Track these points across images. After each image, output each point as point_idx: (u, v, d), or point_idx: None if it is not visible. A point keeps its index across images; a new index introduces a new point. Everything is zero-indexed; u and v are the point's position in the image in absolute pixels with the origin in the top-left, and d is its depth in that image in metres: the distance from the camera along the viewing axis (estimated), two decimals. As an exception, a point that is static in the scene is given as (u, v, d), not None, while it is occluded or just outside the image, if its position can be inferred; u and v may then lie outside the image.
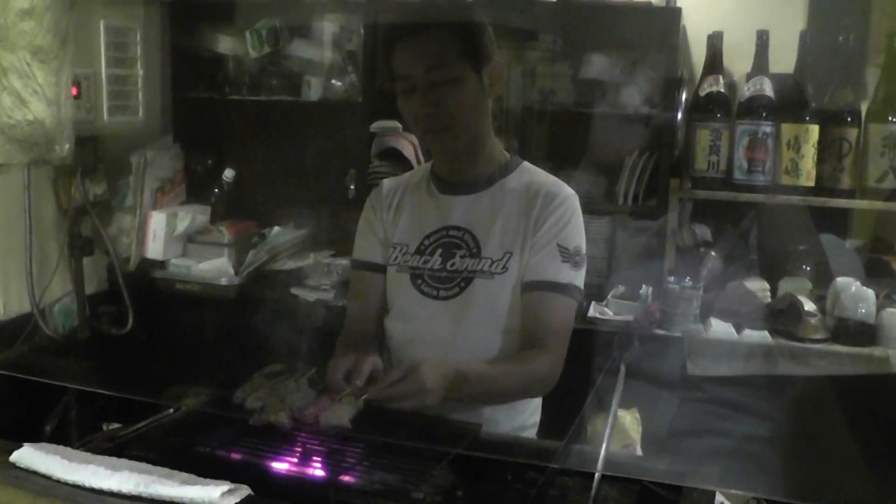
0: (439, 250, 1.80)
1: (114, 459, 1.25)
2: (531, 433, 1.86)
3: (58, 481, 1.21)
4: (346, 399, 1.49)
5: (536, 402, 1.86)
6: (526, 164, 1.87)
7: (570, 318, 1.78)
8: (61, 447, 1.30)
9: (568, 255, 1.76)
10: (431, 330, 1.79)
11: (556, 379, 1.76)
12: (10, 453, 1.28)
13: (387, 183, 1.97)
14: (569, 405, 1.78)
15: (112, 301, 2.96)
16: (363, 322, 1.92)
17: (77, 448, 1.34)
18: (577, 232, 1.78)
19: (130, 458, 1.29)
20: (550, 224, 1.76)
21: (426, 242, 1.82)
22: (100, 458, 1.26)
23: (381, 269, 1.90)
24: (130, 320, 2.89)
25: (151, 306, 2.98)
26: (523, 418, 1.83)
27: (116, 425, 2.10)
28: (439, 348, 1.78)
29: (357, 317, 1.94)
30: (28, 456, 1.26)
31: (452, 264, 1.79)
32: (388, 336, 1.87)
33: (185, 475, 1.19)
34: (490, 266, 1.76)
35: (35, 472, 1.23)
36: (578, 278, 1.77)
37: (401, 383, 1.52)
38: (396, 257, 1.85)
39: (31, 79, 2.10)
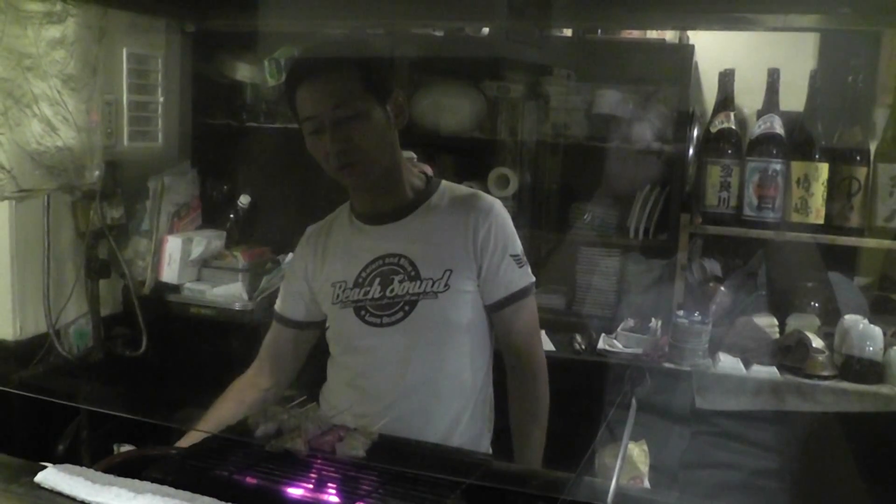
0: (378, 279, 1.84)
1: (136, 482, 1.27)
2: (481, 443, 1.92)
3: (82, 502, 1.23)
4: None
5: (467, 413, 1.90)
6: (445, 182, 1.93)
7: (535, 311, 1.92)
8: (85, 468, 1.33)
9: (519, 259, 1.87)
10: (383, 357, 1.84)
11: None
12: (35, 474, 1.30)
13: (309, 230, 2.02)
14: (578, 436, 1.81)
15: (126, 323, 2.99)
16: (262, 367, 2.01)
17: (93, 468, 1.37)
18: (515, 235, 1.88)
19: (150, 481, 1.31)
20: (495, 239, 1.83)
21: (363, 274, 1.86)
22: (123, 480, 1.28)
23: (291, 323, 2.00)
24: (144, 343, 2.91)
25: (165, 329, 3.00)
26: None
27: (128, 447, 2.13)
28: (393, 373, 1.83)
29: (259, 363, 2.02)
30: (53, 477, 1.28)
31: (392, 290, 1.82)
32: (345, 369, 1.91)
33: (206, 499, 1.21)
34: (432, 286, 1.81)
35: (60, 493, 1.25)
36: (530, 271, 1.90)
37: None
38: (338, 295, 1.88)
39: (61, 106, 2.14)
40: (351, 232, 1.92)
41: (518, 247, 1.88)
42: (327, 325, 1.95)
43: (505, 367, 1.93)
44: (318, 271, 1.94)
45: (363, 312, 1.85)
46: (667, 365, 2.70)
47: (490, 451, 1.93)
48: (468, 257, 1.82)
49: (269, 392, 1.96)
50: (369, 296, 1.84)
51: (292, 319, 2.00)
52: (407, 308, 1.81)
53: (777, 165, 2.75)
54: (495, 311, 1.87)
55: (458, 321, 1.83)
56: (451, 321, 1.83)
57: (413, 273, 1.82)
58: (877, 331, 2.60)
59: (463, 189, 1.94)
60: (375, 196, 1.88)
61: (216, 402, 1.94)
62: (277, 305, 2.04)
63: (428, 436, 1.74)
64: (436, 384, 1.84)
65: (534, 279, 1.90)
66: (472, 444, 1.86)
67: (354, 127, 1.75)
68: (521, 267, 1.87)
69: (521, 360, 1.90)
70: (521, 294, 1.87)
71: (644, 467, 2.57)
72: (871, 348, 2.58)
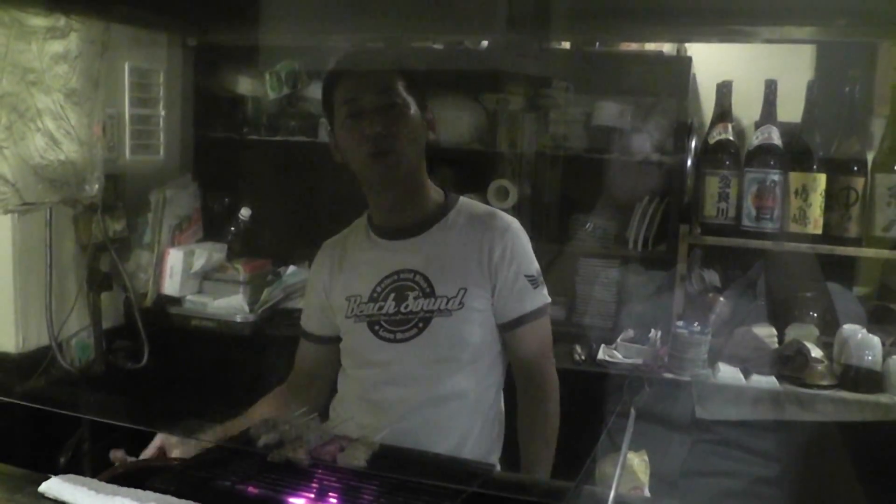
0: (392, 294, 1.84)
1: (140, 492, 1.28)
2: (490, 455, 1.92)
3: (86, 512, 1.24)
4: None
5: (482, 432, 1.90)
6: (463, 199, 1.94)
7: (549, 331, 1.91)
8: (88, 479, 1.34)
9: (534, 280, 1.86)
10: (396, 372, 1.84)
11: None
12: (39, 484, 1.31)
13: (327, 244, 2.03)
14: (577, 446, 1.82)
15: (128, 336, 2.99)
16: (297, 381, 2.03)
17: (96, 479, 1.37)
18: (532, 255, 1.88)
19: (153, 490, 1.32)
20: (510, 259, 1.83)
21: (378, 289, 1.86)
22: (126, 489, 1.29)
23: (314, 338, 2.01)
24: (146, 355, 2.91)
25: (167, 342, 3.00)
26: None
27: (130, 459, 2.13)
28: (405, 388, 1.83)
29: (294, 377, 2.04)
30: (57, 487, 1.29)
31: (406, 306, 1.82)
32: (357, 382, 1.91)
33: (209, 509, 1.22)
34: (447, 304, 1.81)
35: (63, 503, 1.27)
36: (545, 292, 1.89)
37: None
38: (352, 308, 1.88)
39: (64, 120, 2.16)
40: (367, 246, 1.92)
41: (534, 267, 1.87)
42: (341, 338, 1.96)
43: (515, 385, 1.92)
44: (334, 284, 1.94)
45: (377, 327, 1.85)
46: (667, 375, 2.70)
47: (498, 467, 1.92)
48: (483, 276, 1.82)
49: (300, 405, 1.95)
50: (383, 311, 1.84)
51: (315, 334, 2.01)
52: (421, 325, 1.81)
53: (775, 176, 2.76)
54: (507, 330, 1.87)
55: (471, 339, 1.83)
56: (464, 339, 1.82)
57: (428, 290, 1.82)
58: (875, 340, 2.61)
59: (481, 207, 1.94)
60: (396, 206, 1.89)
61: (248, 412, 1.94)
62: (302, 320, 2.05)
63: (437, 451, 1.73)
64: (447, 400, 1.83)
65: (549, 300, 1.89)
66: (481, 460, 1.85)
67: (395, 114, 1.77)
68: (535, 288, 1.86)
69: (533, 381, 1.89)
70: (535, 315, 1.86)
71: (644, 477, 2.57)
72: (869, 357, 2.59)
